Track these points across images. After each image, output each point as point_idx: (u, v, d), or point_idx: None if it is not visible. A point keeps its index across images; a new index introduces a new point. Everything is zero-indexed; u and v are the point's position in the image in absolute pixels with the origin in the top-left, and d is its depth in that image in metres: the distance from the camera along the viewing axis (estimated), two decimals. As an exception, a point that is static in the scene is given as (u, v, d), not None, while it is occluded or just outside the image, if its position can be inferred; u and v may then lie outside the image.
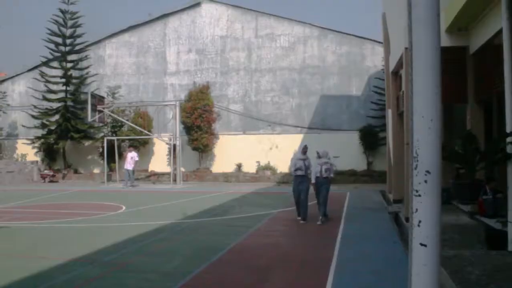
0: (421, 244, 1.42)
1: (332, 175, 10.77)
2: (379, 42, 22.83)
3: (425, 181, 1.44)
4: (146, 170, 27.55)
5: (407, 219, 9.65)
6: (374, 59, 25.59)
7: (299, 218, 10.85)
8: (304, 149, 10.89)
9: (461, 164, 11.78)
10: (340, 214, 12.06)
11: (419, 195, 1.45)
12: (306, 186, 10.69)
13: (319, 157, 10.77)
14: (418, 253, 1.43)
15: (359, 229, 9.79)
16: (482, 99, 11.61)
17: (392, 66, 14.95)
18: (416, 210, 1.45)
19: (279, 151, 25.75)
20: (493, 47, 9.82)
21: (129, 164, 22.28)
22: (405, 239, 8.51)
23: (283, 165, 24.31)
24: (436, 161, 1.47)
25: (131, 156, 22.30)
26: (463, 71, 11.71)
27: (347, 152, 24.44)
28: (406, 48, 10.50)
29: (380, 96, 23.44)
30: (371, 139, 24.28)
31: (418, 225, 1.44)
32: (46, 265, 6.76)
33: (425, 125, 1.48)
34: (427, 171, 1.45)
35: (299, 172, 10.69)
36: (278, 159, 25.40)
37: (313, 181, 10.62)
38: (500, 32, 8.02)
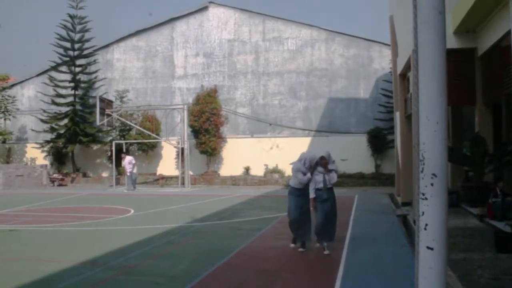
0: (428, 248, 1.41)
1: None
2: (387, 45, 22.77)
3: (432, 184, 1.44)
4: (154, 174, 27.64)
5: (415, 222, 9.60)
6: (381, 62, 25.54)
7: (293, 245, 8.21)
8: (316, 160, 7.80)
9: (469, 166, 11.74)
10: (348, 217, 12.02)
11: (426, 198, 1.44)
12: (307, 201, 7.87)
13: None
14: (425, 256, 1.42)
15: (367, 232, 9.75)
16: (490, 101, 11.54)
17: (399, 68, 14.91)
18: (423, 213, 1.45)
19: (279, 150, 25.73)
20: (501, 49, 9.78)
21: (129, 170, 22.45)
22: (413, 242, 8.45)
23: (289, 169, 24.28)
24: (443, 164, 1.47)
25: (129, 161, 22.42)
26: (471, 73, 11.66)
27: (355, 155, 24.38)
28: (413, 50, 10.47)
29: (388, 98, 23.37)
30: (379, 141, 24.20)
31: (425, 228, 1.43)
32: (54, 268, 6.80)
33: (431, 128, 1.47)
34: (434, 174, 1.45)
35: (299, 185, 7.89)
36: (279, 158, 25.25)
37: (312, 195, 7.72)
38: (508, 33, 7.99)
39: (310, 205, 7.84)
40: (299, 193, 7.92)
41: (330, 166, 7.75)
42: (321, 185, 7.69)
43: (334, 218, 7.88)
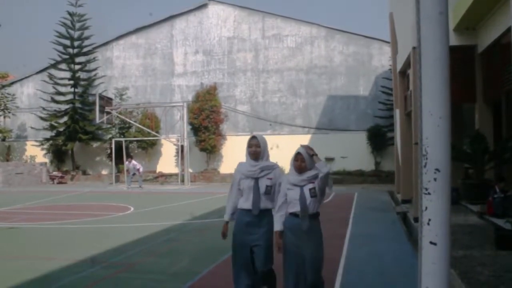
0: (431, 243, 1.41)
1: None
2: (386, 42, 22.77)
3: (435, 179, 1.43)
4: (154, 171, 27.63)
5: (415, 219, 9.61)
6: (381, 59, 25.53)
7: None
8: (257, 149, 4.57)
9: (470, 164, 11.73)
10: (348, 214, 12.02)
11: (429, 193, 1.44)
12: (265, 238, 4.37)
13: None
14: (428, 251, 1.42)
15: (367, 230, 9.75)
16: (490, 99, 11.53)
17: (399, 65, 14.89)
18: (426, 208, 1.44)
19: (280, 150, 25.67)
20: (501, 46, 9.76)
21: (131, 173, 22.78)
22: (413, 239, 8.47)
23: (289, 166, 24.37)
24: (446, 159, 1.46)
25: (133, 166, 22.68)
26: (471, 71, 11.64)
27: (354, 152, 24.41)
28: (413, 48, 10.45)
29: (387, 96, 23.38)
30: (378, 139, 24.22)
31: (428, 224, 1.42)
32: (54, 266, 6.79)
33: (434, 123, 1.47)
34: (437, 169, 1.44)
35: (246, 205, 4.47)
36: (279, 156, 25.21)
37: (278, 227, 4.28)
38: (508, 30, 7.98)
39: (274, 244, 4.33)
40: (249, 219, 4.41)
41: (307, 175, 4.24)
42: (296, 208, 4.20)
43: (314, 278, 4.17)
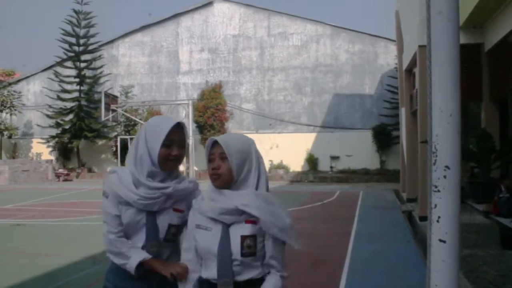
0: (440, 240, 1.40)
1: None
2: (392, 40, 22.68)
3: (444, 177, 1.43)
4: (159, 169, 27.66)
5: (420, 218, 9.59)
6: (387, 57, 25.45)
7: None
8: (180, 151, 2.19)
9: (475, 163, 11.67)
10: (353, 213, 12.00)
11: (438, 191, 1.43)
12: None
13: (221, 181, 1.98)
14: (437, 249, 1.41)
15: (372, 228, 9.74)
16: (497, 97, 11.47)
17: (405, 64, 14.83)
18: (435, 205, 1.43)
19: (279, 150, 25.62)
20: (509, 44, 9.71)
21: None
22: (419, 238, 8.45)
23: (294, 164, 24.42)
24: (456, 156, 1.46)
25: None
26: (478, 69, 11.57)
27: (360, 151, 24.36)
28: (419, 46, 10.40)
29: (393, 94, 23.31)
30: (384, 138, 24.17)
31: (437, 221, 1.42)
32: (60, 263, 6.82)
33: (444, 120, 1.46)
34: (447, 166, 1.44)
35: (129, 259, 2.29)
36: (284, 154, 25.27)
37: None
38: (516, 29, 7.93)
39: None
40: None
41: (251, 194, 1.95)
42: (210, 273, 1.93)
43: None
